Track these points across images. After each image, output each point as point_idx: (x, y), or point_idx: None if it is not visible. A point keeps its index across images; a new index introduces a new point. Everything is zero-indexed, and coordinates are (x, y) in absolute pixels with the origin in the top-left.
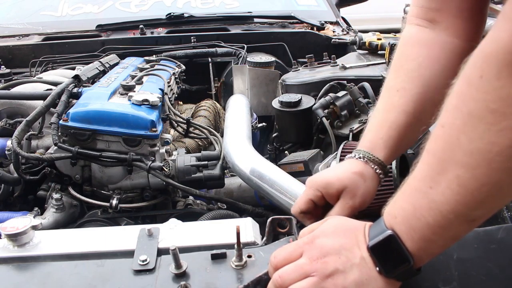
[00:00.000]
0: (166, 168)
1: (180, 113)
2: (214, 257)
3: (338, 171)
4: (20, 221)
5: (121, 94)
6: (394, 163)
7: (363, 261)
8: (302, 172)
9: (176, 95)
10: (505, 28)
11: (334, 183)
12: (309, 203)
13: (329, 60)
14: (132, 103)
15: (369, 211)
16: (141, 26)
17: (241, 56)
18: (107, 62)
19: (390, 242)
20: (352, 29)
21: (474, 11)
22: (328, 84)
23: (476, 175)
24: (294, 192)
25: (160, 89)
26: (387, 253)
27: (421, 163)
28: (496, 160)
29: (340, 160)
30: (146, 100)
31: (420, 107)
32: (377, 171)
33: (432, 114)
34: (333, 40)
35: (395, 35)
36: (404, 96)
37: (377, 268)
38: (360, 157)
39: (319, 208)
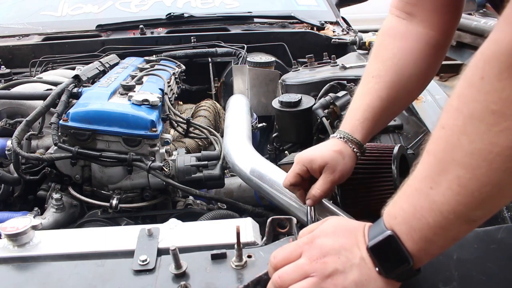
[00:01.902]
0: (166, 168)
1: (180, 113)
2: (214, 257)
3: (321, 149)
4: (20, 221)
5: (121, 94)
6: (394, 164)
7: (363, 261)
8: None
9: (176, 95)
10: (507, 30)
11: (317, 159)
12: (296, 176)
13: (329, 60)
14: (132, 103)
15: (368, 208)
16: (141, 26)
17: (241, 56)
18: (107, 62)
19: (390, 243)
20: (352, 29)
21: (449, 7)
22: (328, 84)
23: (477, 176)
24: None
25: (160, 89)
26: (386, 253)
27: (422, 164)
28: (496, 160)
29: None
30: (146, 100)
31: (394, 93)
32: (355, 150)
33: (405, 100)
34: (333, 40)
35: None
36: (379, 83)
37: (377, 269)
38: (340, 137)
39: (305, 181)
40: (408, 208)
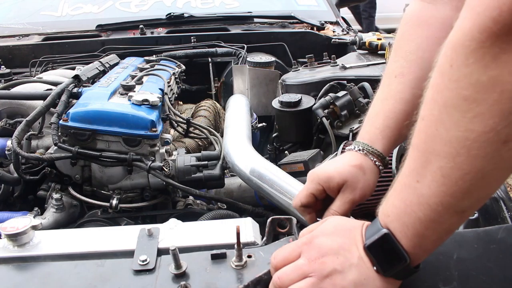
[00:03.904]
0: (166, 168)
1: (180, 113)
2: (214, 257)
3: (338, 164)
4: (20, 221)
5: (121, 94)
6: (394, 163)
7: (361, 260)
8: (302, 172)
9: (176, 95)
10: (468, 16)
11: (334, 177)
12: (310, 197)
13: (329, 60)
14: (132, 103)
15: (368, 210)
16: (141, 26)
17: (241, 56)
18: (107, 62)
19: (385, 241)
20: (352, 29)
21: None
22: (328, 84)
23: (458, 164)
24: (294, 192)
25: (160, 89)
26: (383, 252)
27: (408, 158)
28: (474, 147)
29: None
30: (146, 100)
31: (419, 93)
32: (376, 163)
33: None
34: (333, 40)
35: (395, 35)
36: (402, 82)
37: (375, 268)
38: (359, 150)
39: (319, 202)
40: (399, 204)
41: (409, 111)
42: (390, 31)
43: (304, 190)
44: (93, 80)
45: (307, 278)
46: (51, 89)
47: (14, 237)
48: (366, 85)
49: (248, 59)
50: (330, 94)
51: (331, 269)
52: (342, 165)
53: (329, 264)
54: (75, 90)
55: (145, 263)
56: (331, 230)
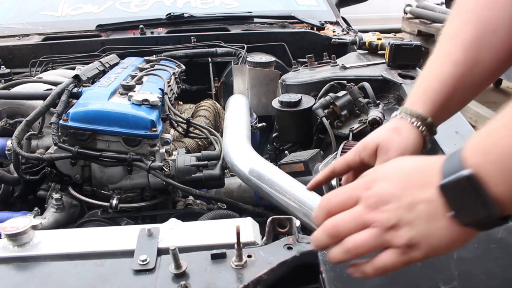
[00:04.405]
0: (166, 168)
1: (180, 113)
2: (214, 257)
3: (376, 131)
4: (20, 221)
5: (121, 94)
6: None
7: (432, 205)
8: (302, 172)
9: (176, 95)
10: None
11: (369, 143)
12: (344, 165)
13: (329, 60)
14: (132, 103)
15: None
16: (141, 26)
17: (241, 56)
18: (107, 62)
19: (468, 183)
20: (352, 29)
21: None
22: (328, 84)
23: None
24: (293, 192)
25: (160, 89)
26: (463, 196)
27: None
28: None
29: None
30: (146, 100)
31: (473, 55)
32: (415, 123)
33: (489, 64)
34: (333, 40)
35: (395, 35)
36: (453, 44)
37: (452, 213)
38: (397, 114)
39: (351, 174)
40: (506, 143)
41: (460, 74)
42: (390, 31)
43: (341, 158)
44: (93, 80)
45: (368, 229)
46: (51, 89)
47: (14, 237)
48: (366, 85)
49: (248, 59)
50: (330, 94)
51: (396, 219)
52: (378, 130)
53: (393, 213)
54: (75, 90)
55: (145, 263)
56: (394, 171)
